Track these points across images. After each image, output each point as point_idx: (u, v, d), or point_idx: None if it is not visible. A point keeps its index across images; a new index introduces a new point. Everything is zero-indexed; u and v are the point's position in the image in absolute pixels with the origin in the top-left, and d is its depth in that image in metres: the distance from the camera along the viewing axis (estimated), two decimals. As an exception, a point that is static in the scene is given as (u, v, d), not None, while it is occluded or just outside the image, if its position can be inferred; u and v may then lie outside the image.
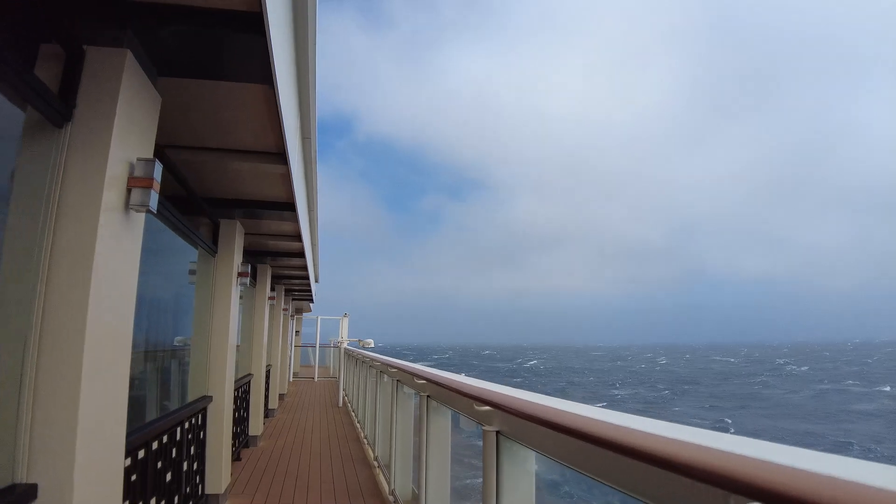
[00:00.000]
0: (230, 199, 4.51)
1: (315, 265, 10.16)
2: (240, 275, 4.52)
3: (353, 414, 9.60)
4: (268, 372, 8.53)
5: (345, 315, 16.88)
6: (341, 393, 11.27)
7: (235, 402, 5.60)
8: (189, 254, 4.33)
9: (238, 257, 4.63)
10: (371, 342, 10.13)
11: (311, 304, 17.51)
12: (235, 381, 5.73)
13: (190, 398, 4.03)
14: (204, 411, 4.06)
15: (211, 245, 4.35)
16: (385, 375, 5.50)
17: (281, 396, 10.98)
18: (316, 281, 11.69)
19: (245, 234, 5.16)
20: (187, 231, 3.78)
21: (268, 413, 9.05)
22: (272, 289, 7.77)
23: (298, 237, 6.05)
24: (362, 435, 7.45)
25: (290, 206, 4.57)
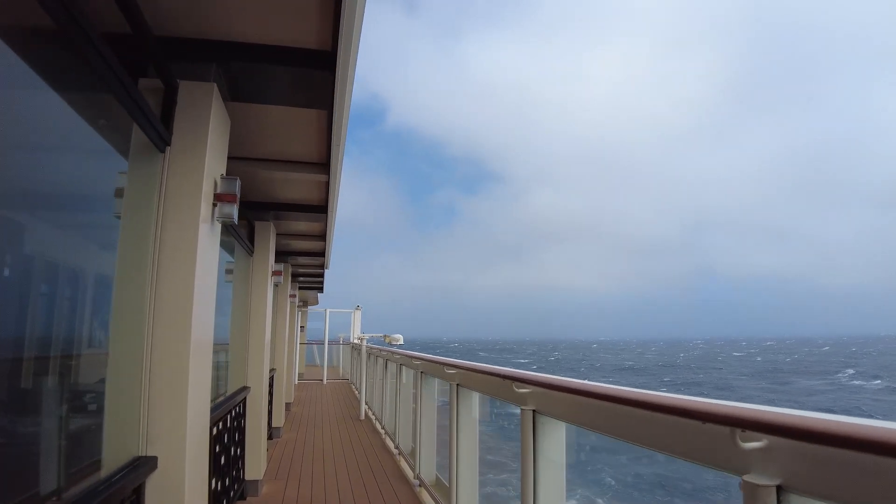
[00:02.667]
0: (204, 41, 2.19)
1: (330, 235, 7.79)
2: (218, 197, 2.21)
3: (383, 432, 7.35)
4: (271, 379, 6.23)
5: (357, 307, 14.57)
6: (363, 405, 9.00)
7: (218, 442, 3.31)
8: (109, 156, 2.04)
9: (218, 159, 2.30)
10: (400, 338, 7.64)
11: (318, 295, 14.98)
12: (222, 403, 3.45)
13: (103, 472, 1.72)
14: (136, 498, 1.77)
15: (160, 130, 2.02)
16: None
17: (287, 406, 8.76)
18: (326, 267, 9.33)
19: (232, 164, 2.82)
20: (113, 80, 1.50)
21: (271, 434, 6.78)
22: (276, 261, 5.43)
23: (324, 166, 3.72)
24: (409, 473, 5.21)
25: (327, 62, 2.23)
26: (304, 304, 16.02)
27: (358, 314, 15.24)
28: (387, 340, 7.78)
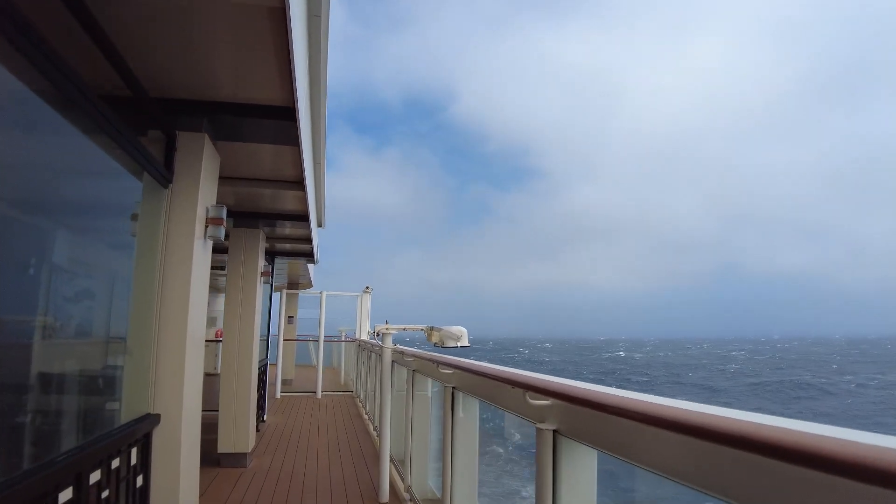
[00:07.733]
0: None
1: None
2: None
3: None
4: (146, 437, 2.43)
5: (366, 289, 11.14)
6: (385, 467, 4.68)
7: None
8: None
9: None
10: (462, 334, 3.96)
11: (311, 271, 10.82)
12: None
13: None
14: None
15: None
16: None
17: (230, 461, 5.57)
18: (320, 225, 6.86)
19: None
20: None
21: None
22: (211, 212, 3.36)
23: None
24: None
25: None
26: (293, 286, 12.74)
27: (367, 299, 11.63)
28: (433, 340, 4.11)
